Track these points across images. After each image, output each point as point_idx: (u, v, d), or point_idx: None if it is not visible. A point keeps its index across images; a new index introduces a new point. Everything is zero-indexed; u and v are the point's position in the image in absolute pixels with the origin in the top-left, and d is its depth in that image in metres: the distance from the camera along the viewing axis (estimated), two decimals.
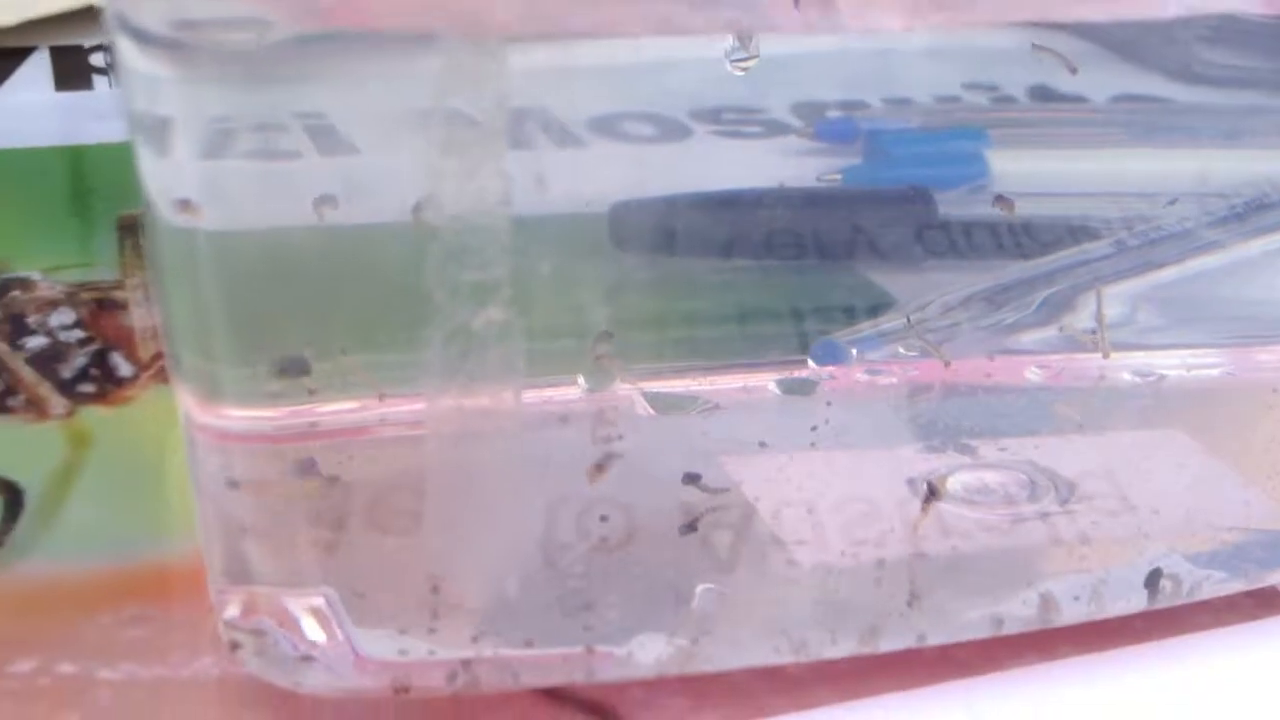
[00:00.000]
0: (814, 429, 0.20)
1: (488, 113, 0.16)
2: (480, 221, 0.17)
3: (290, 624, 0.18)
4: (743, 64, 0.18)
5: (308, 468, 0.19)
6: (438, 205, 0.17)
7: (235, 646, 0.18)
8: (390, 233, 0.17)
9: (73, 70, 0.36)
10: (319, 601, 0.18)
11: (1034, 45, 0.19)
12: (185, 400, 0.18)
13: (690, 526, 0.19)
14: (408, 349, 0.18)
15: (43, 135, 0.33)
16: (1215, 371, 0.22)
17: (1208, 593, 0.21)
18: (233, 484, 0.18)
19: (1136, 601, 0.20)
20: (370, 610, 0.18)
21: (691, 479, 0.19)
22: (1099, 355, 0.21)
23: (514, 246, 0.17)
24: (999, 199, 0.20)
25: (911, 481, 0.20)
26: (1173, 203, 0.21)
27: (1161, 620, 0.21)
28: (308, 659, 0.18)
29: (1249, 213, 0.22)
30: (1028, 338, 0.21)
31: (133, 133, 0.17)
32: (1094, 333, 0.21)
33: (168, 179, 0.17)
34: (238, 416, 0.18)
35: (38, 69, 0.36)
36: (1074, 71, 0.19)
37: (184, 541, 0.21)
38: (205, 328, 0.17)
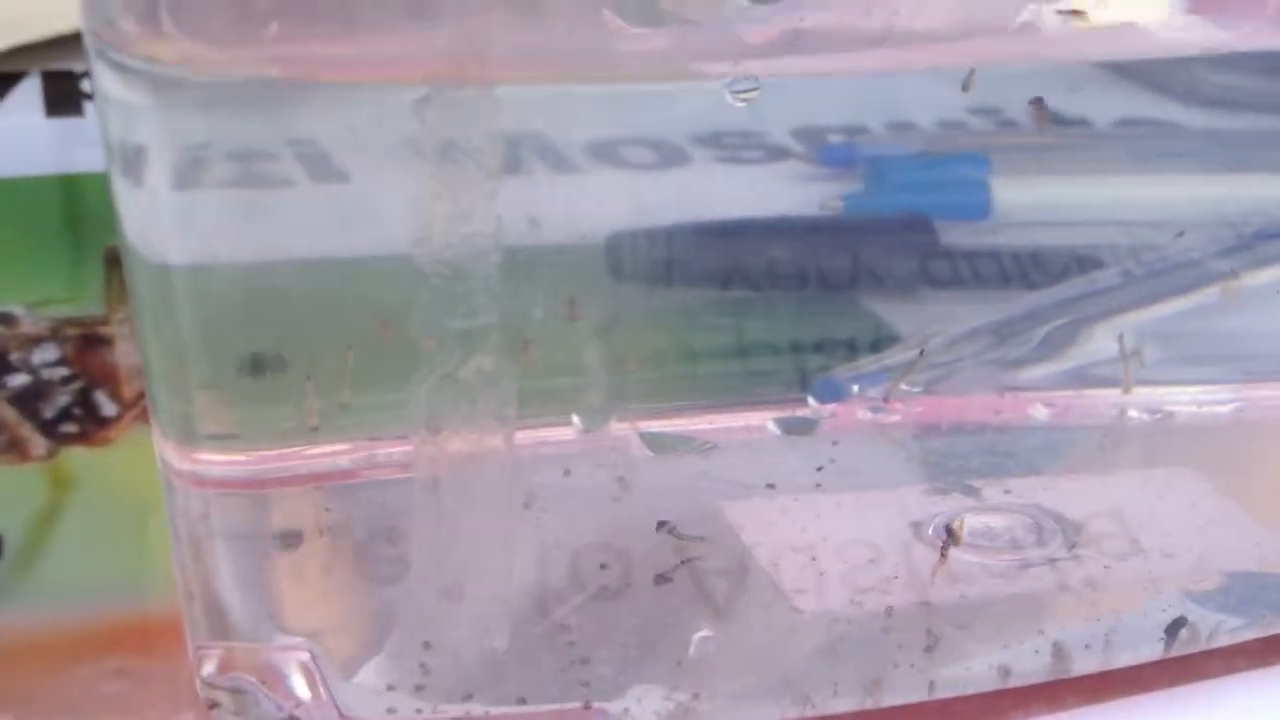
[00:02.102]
0: (819, 469, 0.20)
1: (479, 158, 0.16)
2: (471, 268, 0.16)
3: (272, 680, 0.18)
4: (743, 95, 0.17)
5: (290, 515, 0.18)
6: (428, 249, 0.16)
7: (213, 705, 0.18)
8: (375, 267, 0.17)
9: (64, 96, 0.36)
10: (302, 657, 0.18)
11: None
12: (162, 444, 0.18)
13: (665, 578, 0.19)
14: (394, 390, 0.17)
15: (33, 163, 0.33)
16: (1226, 408, 0.22)
17: (1223, 640, 0.20)
18: (211, 533, 0.18)
19: (1149, 650, 0.20)
20: (356, 666, 0.18)
21: (666, 527, 0.19)
22: (1107, 392, 0.21)
23: (507, 278, 0.17)
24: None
25: (916, 525, 0.20)
26: (1180, 235, 0.21)
27: (1171, 667, 0.21)
28: (290, 719, 0.18)
29: (1258, 242, 0.21)
30: (1032, 373, 0.21)
31: (109, 161, 0.16)
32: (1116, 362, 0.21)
33: (143, 209, 0.16)
34: (216, 461, 0.18)
35: (28, 95, 0.35)
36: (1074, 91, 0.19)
37: (166, 591, 0.21)
38: (181, 367, 0.17)
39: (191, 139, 0.16)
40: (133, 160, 0.16)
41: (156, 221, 0.16)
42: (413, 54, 0.16)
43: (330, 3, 0.15)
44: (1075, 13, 0.17)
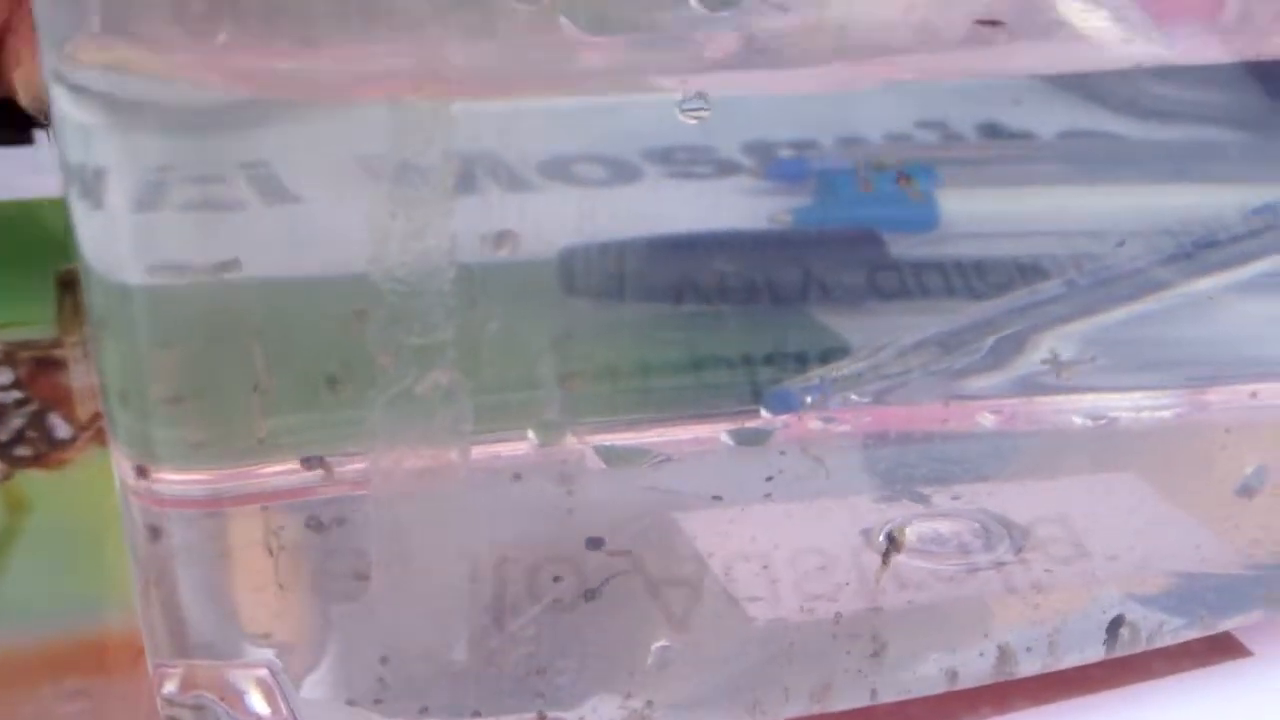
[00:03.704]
0: (769, 479, 0.20)
1: (434, 176, 0.16)
2: (426, 285, 0.17)
3: (232, 697, 0.18)
4: (695, 113, 0.18)
5: (247, 532, 0.18)
6: (382, 267, 0.16)
7: None
8: (330, 287, 0.17)
9: (11, 124, 0.36)
10: (262, 673, 0.18)
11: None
12: (120, 463, 0.18)
13: (592, 593, 0.19)
14: (351, 407, 0.17)
15: None
16: (1167, 413, 0.22)
17: (1165, 640, 0.21)
18: (170, 551, 0.18)
19: (1093, 651, 0.20)
20: (316, 681, 0.18)
21: (595, 544, 0.19)
22: (1052, 399, 0.21)
23: (461, 295, 0.17)
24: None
25: (866, 532, 0.20)
26: (1121, 244, 0.21)
27: (1117, 668, 0.21)
28: None
29: (1197, 251, 0.22)
30: (979, 382, 0.21)
31: (67, 184, 0.16)
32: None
33: (102, 231, 0.16)
34: (173, 480, 0.18)
35: None
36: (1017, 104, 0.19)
37: (125, 610, 0.21)
38: (140, 386, 0.17)
39: (148, 160, 0.16)
40: (91, 182, 0.16)
41: (114, 242, 0.16)
42: (370, 70, 0.16)
43: (286, 17, 0.16)
44: (992, 23, 0.17)
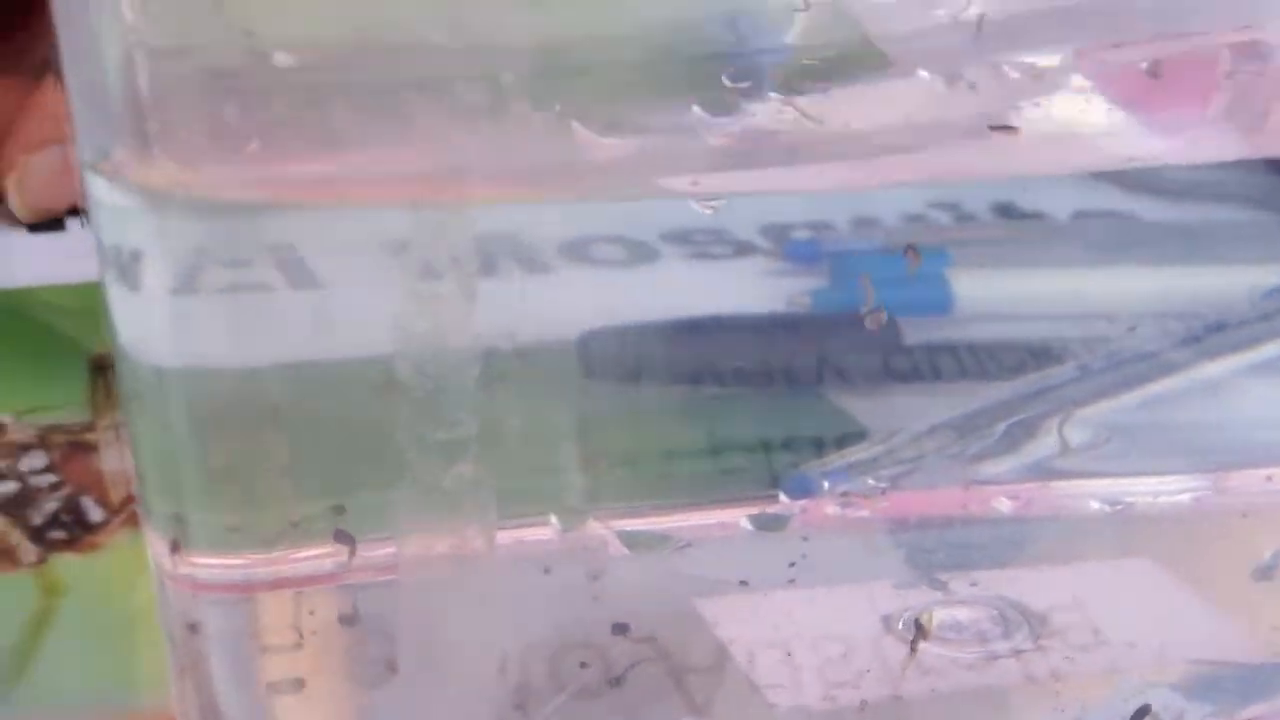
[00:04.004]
0: (792, 565, 0.20)
1: (458, 276, 0.17)
2: (451, 382, 0.17)
3: None
4: (710, 204, 0.18)
5: (278, 618, 0.18)
6: (408, 365, 0.17)
7: None
8: (362, 369, 0.17)
9: None
10: None
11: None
12: (154, 546, 0.18)
13: (617, 680, 0.19)
14: (379, 491, 0.18)
15: (17, 276, 0.33)
16: (1184, 498, 0.22)
17: None
18: (204, 635, 0.18)
19: None
20: None
21: (620, 629, 0.19)
22: (1068, 484, 0.21)
23: (484, 383, 0.17)
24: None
25: (886, 619, 0.20)
26: (1133, 329, 0.21)
27: None
28: None
29: (1210, 334, 0.22)
30: (995, 467, 0.21)
31: (103, 267, 0.17)
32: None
33: (137, 314, 0.17)
34: (207, 564, 0.18)
35: (8, 209, 0.36)
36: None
37: (158, 694, 0.21)
38: (174, 471, 0.17)
39: (183, 245, 0.16)
40: (126, 265, 0.16)
41: (150, 325, 0.17)
42: (392, 172, 0.17)
43: (312, 126, 0.16)
44: (1006, 128, 0.18)
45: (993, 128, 0.18)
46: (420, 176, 0.16)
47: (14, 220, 0.36)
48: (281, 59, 0.15)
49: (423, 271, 0.17)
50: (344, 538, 0.18)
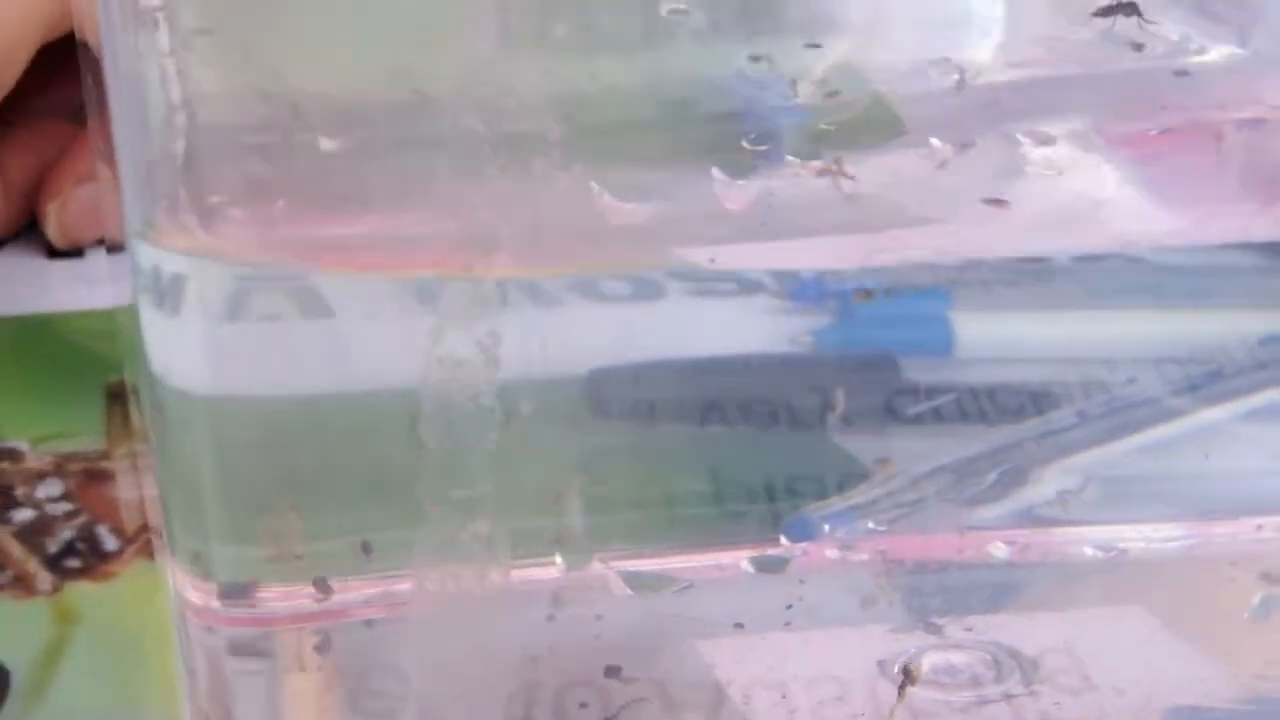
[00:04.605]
0: (789, 608, 0.20)
1: (482, 345, 0.17)
2: (472, 444, 0.17)
3: None
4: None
5: (294, 651, 0.19)
6: (429, 425, 0.17)
7: None
8: (393, 403, 0.18)
9: None
10: None
11: None
12: (175, 576, 0.18)
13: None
14: (398, 528, 0.18)
15: (35, 302, 0.33)
16: (1175, 545, 0.23)
17: None
18: (223, 666, 0.18)
19: None
20: None
21: (612, 672, 0.20)
22: (1062, 530, 0.21)
23: (507, 420, 0.18)
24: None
25: (882, 662, 0.21)
26: (1132, 380, 0.22)
27: None
28: None
29: (1207, 382, 0.22)
30: (989, 511, 0.22)
31: (136, 293, 0.17)
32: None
33: (176, 341, 0.17)
34: (227, 595, 0.18)
35: (31, 236, 0.36)
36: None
37: None
38: (202, 501, 0.18)
39: (223, 277, 0.17)
40: (168, 293, 0.17)
41: (188, 352, 0.17)
42: (417, 237, 0.17)
43: (341, 189, 0.17)
44: (997, 201, 0.18)
45: (986, 201, 0.18)
46: (452, 244, 0.17)
47: (33, 247, 0.36)
48: (325, 143, 0.16)
49: (446, 341, 0.17)
50: (322, 585, 0.18)
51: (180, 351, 0.17)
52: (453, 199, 0.17)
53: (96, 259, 0.35)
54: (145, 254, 0.17)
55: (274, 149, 0.16)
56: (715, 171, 0.17)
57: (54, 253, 0.36)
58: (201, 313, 0.17)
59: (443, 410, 0.17)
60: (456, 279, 0.17)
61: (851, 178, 0.17)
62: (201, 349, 0.17)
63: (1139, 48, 0.18)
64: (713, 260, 0.18)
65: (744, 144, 0.17)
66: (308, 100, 0.16)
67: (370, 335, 0.18)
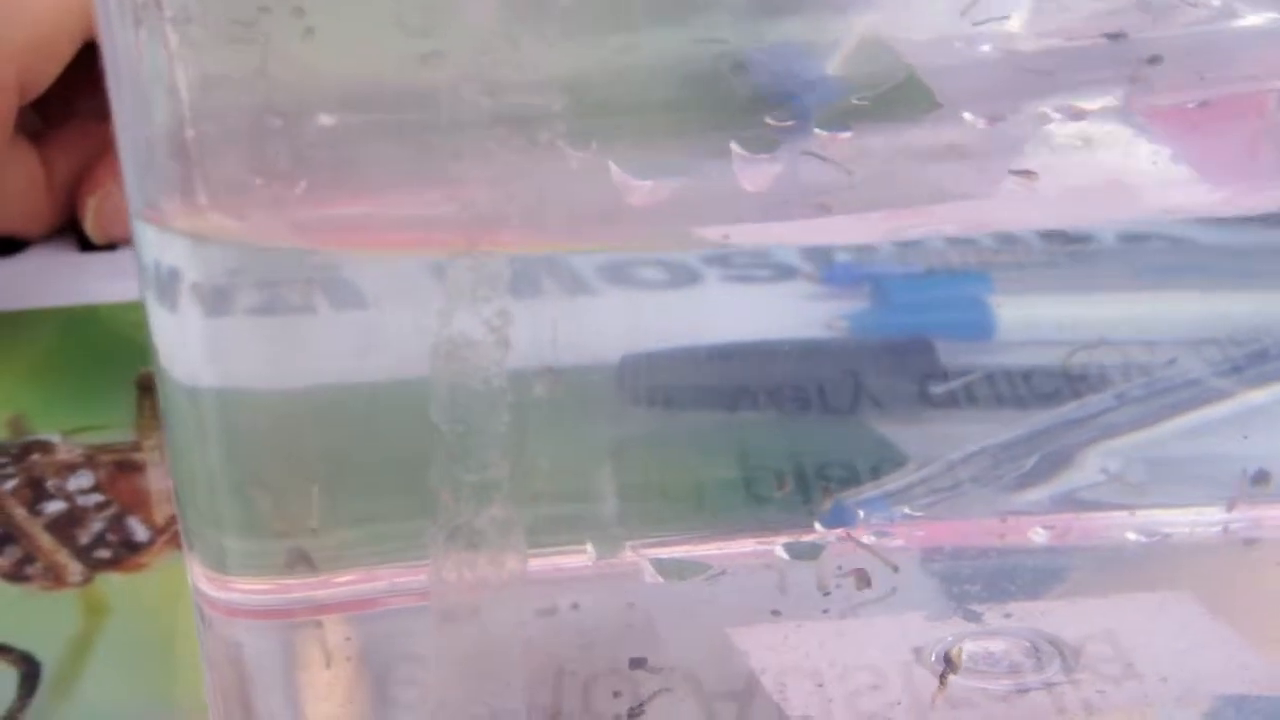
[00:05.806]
0: (826, 595, 0.20)
1: (492, 324, 0.17)
2: (483, 426, 0.17)
3: None
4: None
5: (312, 642, 0.19)
6: (442, 409, 0.17)
7: None
8: (397, 392, 0.18)
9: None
10: None
11: None
12: (192, 567, 0.18)
13: (637, 710, 0.19)
14: (414, 517, 0.18)
15: (68, 294, 0.34)
16: (1218, 529, 0.22)
17: None
18: (242, 659, 0.18)
19: None
20: None
21: (638, 663, 0.19)
22: (1104, 514, 0.21)
23: (523, 405, 0.17)
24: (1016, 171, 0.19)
25: (918, 650, 0.20)
26: (1172, 361, 0.21)
27: None
28: None
29: (1249, 364, 0.22)
30: (1029, 496, 0.21)
31: (144, 287, 0.17)
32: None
33: (177, 334, 0.17)
34: (241, 586, 0.18)
35: (65, 231, 0.37)
36: None
37: (199, 714, 0.21)
38: (213, 494, 0.18)
39: (225, 267, 0.17)
40: (167, 287, 0.17)
41: (188, 346, 0.17)
42: (430, 216, 0.17)
43: (351, 170, 0.16)
44: (1026, 173, 0.18)
45: (1014, 172, 0.18)
46: (458, 222, 0.17)
47: (67, 242, 0.36)
48: (324, 118, 0.16)
49: (456, 322, 0.17)
50: (380, 564, 0.18)
51: (183, 343, 0.17)
52: (467, 177, 0.16)
53: (129, 253, 0.35)
54: (147, 240, 0.17)
55: (274, 130, 0.16)
56: (735, 147, 0.17)
57: (87, 246, 0.36)
58: (199, 304, 0.17)
59: (455, 394, 0.17)
60: (467, 260, 0.17)
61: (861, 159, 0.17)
62: (201, 340, 0.17)
63: (1180, 11, 0.18)
64: (726, 236, 0.18)
65: (769, 120, 0.17)
66: (308, 79, 0.16)
67: (378, 321, 0.18)
